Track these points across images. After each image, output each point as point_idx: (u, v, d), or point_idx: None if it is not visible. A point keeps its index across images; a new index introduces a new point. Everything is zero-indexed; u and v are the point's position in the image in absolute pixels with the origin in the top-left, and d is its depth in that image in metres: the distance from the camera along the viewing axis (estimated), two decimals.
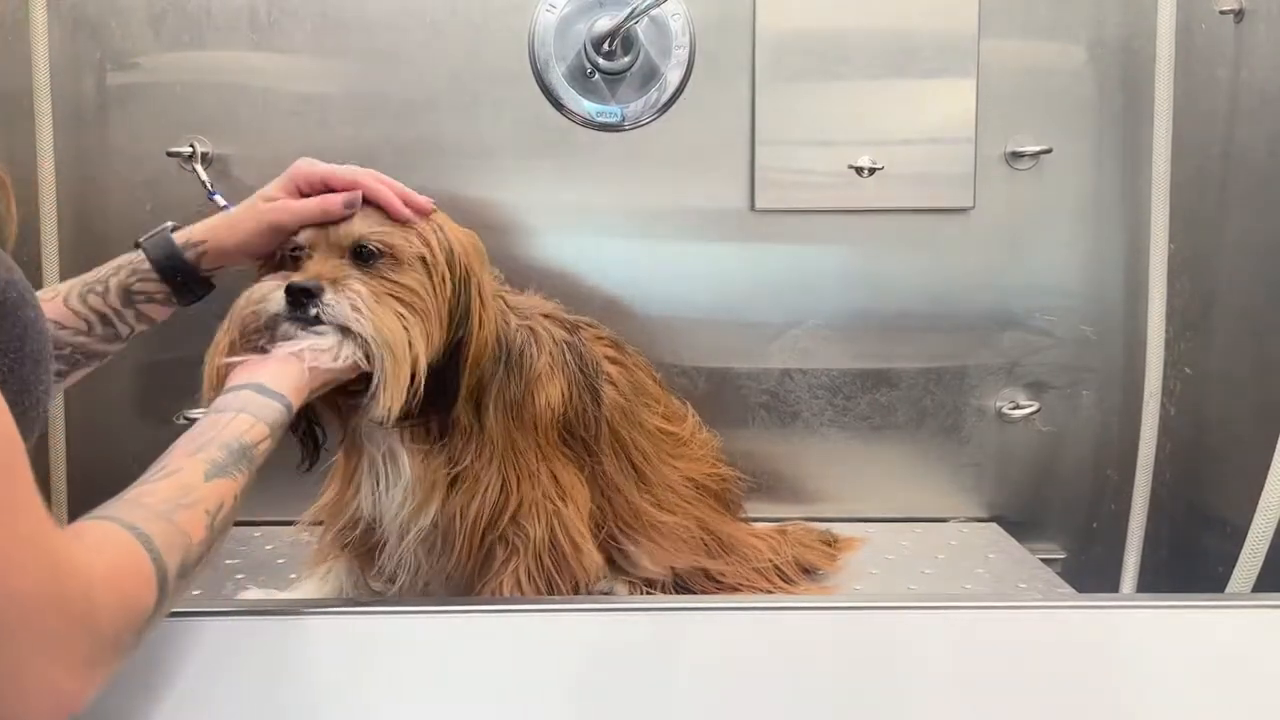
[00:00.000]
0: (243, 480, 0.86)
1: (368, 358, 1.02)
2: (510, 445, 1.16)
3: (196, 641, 0.89)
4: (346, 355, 1.02)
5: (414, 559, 1.18)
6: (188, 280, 1.10)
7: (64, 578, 0.62)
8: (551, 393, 1.18)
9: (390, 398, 1.02)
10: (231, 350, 1.03)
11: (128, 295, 1.09)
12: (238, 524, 1.50)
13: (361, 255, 1.07)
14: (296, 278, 1.04)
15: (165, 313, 1.12)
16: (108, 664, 0.68)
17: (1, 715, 0.63)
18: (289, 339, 1.02)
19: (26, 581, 0.60)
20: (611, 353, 1.35)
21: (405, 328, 1.04)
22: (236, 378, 0.97)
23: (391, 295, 1.05)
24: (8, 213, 0.73)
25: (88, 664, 0.65)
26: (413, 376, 1.03)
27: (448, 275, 1.08)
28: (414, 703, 0.89)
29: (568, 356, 1.22)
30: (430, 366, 1.05)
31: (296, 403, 0.97)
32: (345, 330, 1.02)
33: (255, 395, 0.94)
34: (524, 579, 1.15)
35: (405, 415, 1.07)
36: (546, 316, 1.25)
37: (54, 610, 0.62)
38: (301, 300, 1.02)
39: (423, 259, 1.07)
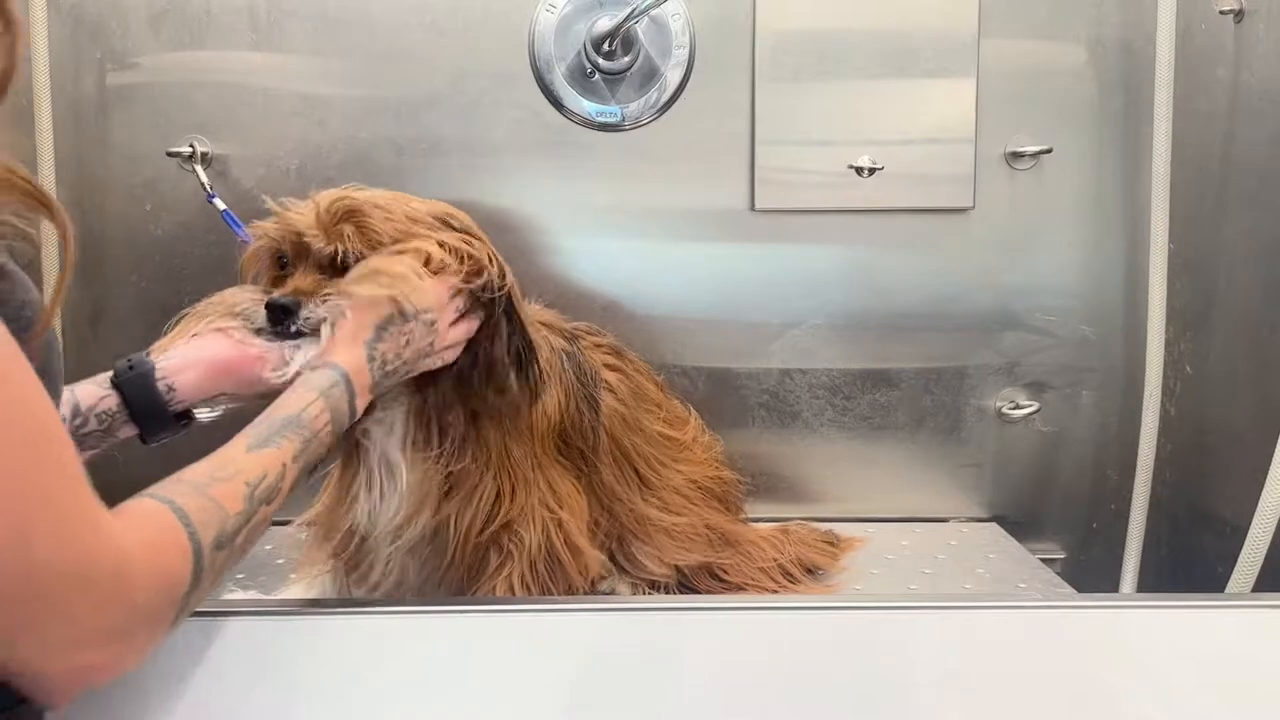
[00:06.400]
0: (291, 447, 0.87)
1: None
2: (504, 453, 1.15)
3: (190, 641, 0.89)
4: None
5: (400, 566, 1.18)
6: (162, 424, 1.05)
7: (94, 552, 0.64)
8: (547, 402, 1.18)
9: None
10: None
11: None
12: None
13: (344, 269, 1.07)
14: (277, 294, 1.06)
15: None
16: (143, 635, 0.70)
17: (27, 682, 0.65)
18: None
19: (56, 555, 0.61)
20: (611, 359, 1.35)
21: None
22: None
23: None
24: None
25: (116, 636, 0.67)
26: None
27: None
28: (413, 703, 0.89)
29: (565, 366, 1.22)
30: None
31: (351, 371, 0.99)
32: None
33: (320, 370, 0.97)
34: (518, 585, 1.15)
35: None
36: (544, 325, 1.24)
37: (81, 584, 0.63)
38: (280, 317, 1.04)
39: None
